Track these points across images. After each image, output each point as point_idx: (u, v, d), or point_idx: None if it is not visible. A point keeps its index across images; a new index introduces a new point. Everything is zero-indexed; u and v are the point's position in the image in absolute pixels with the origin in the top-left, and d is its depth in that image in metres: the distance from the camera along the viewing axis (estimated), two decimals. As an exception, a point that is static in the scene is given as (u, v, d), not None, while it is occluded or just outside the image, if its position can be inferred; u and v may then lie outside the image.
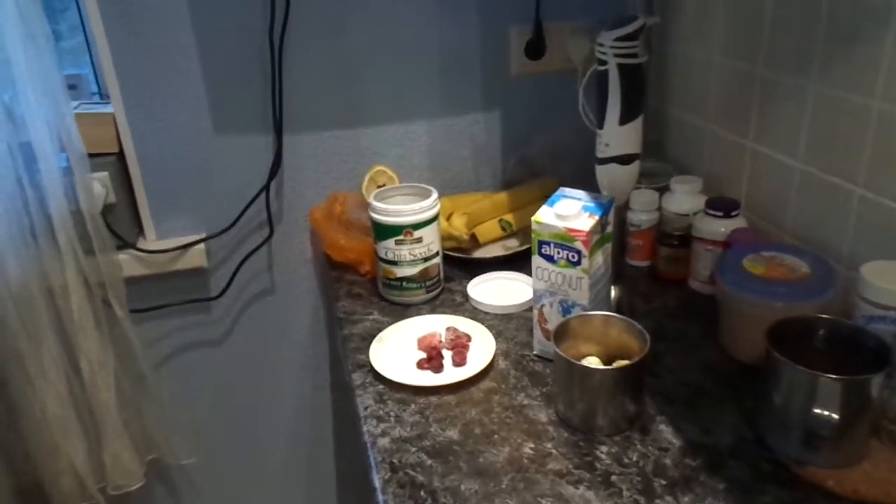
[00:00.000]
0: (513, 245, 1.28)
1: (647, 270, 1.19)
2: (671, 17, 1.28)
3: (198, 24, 1.17)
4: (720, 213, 1.06)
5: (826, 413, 0.68)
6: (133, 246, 1.22)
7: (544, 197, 1.33)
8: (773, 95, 1.05)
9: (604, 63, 0.91)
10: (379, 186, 1.25)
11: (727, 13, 1.13)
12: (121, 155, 1.21)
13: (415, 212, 1.08)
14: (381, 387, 0.94)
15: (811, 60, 0.96)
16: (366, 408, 0.91)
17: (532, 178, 1.39)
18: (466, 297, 1.14)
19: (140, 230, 1.27)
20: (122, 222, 1.20)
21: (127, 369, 1.24)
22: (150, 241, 1.26)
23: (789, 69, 1.01)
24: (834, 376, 0.70)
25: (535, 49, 1.34)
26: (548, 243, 0.90)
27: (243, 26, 1.18)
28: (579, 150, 1.36)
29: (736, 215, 1.06)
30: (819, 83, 0.95)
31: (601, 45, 0.90)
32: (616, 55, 0.89)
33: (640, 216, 1.16)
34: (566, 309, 0.92)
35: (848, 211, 0.93)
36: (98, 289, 1.16)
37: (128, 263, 1.22)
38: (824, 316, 0.80)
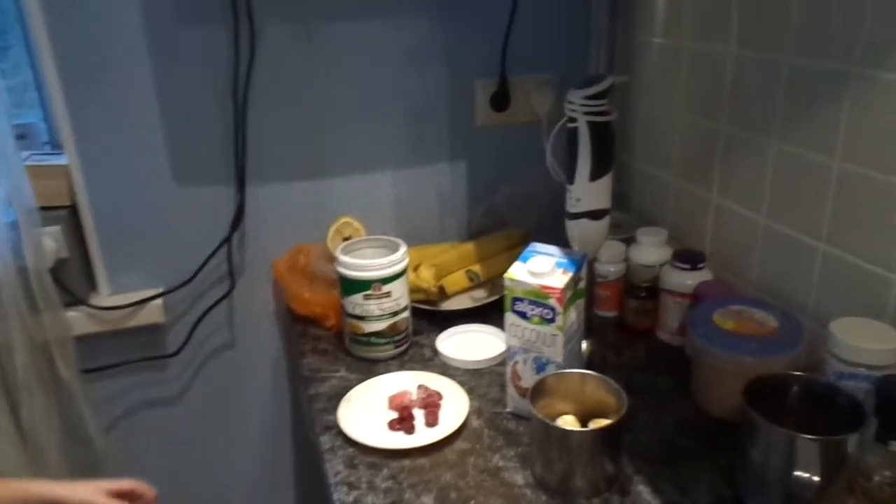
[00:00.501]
0: (480, 296, 1.27)
1: (614, 321, 1.19)
2: (635, 73, 1.31)
3: (158, 73, 1.14)
4: (687, 266, 1.07)
5: (806, 475, 0.68)
6: (85, 302, 1.16)
7: (511, 247, 1.34)
8: (736, 152, 1.07)
9: (573, 120, 0.92)
10: (345, 238, 1.23)
11: (689, 72, 1.17)
12: (74, 207, 1.16)
13: (384, 266, 1.06)
14: (351, 450, 0.91)
15: (772, 119, 0.98)
16: (336, 474, 0.87)
17: (498, 228, 1.39)
18: (436, 351, 1.12)
19: (93, 286, 1.21)
20: (74, 278, 1.15)
21: (74, 433, 1.17)
22: (104, 297, 1.21)
23: (751, 127, 1.03)
24: (812, 437, 0.70)
25: (500, 101, 1.35)
26: (521, 300, 0.89)
27: (207, 75, 1.16)
28: (545, 200, 1.37)
29: (702, 268, 1.07)
30: (780, 141, 0.98)
31: (571, 102, 0.91)
32: (586, 113, 0.90)
33: (608, 267, 1.16)
34: (540, 366, 0.91)
35: (812, 266, 0.95)
36: (44, 348, 1.10)
37: (79, 321, 1.17)
38: (799, 373, 0.81)
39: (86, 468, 1.19)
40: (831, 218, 0.91)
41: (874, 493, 0.76)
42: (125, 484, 0.94)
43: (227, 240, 1.25)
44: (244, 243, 1.28)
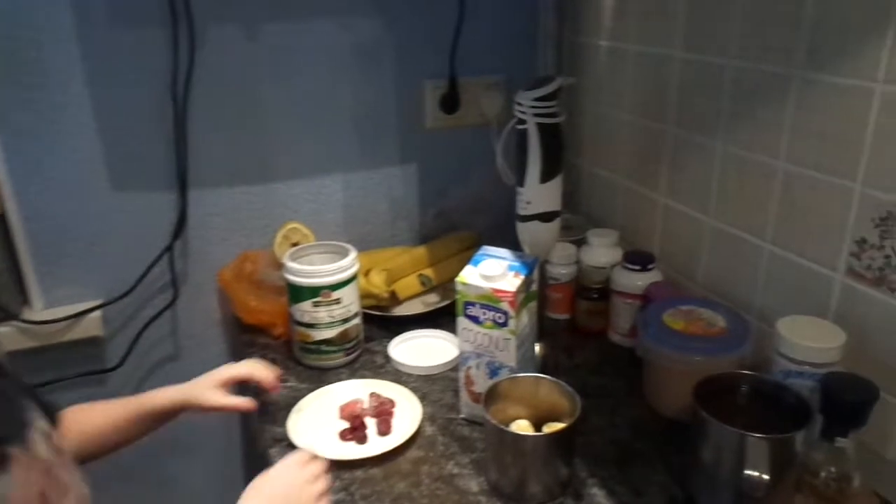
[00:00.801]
0: (433, 300, 1.25)
1: (566, 323, 1.19)
2: (582, 74, 1.31)
3: (93, 75, 1.09)
4: (637, 267, 1.08)
5: (756, 474, 0.68)
6: (16, 317, 1.10)
7: (463, 250, 1.33)
8: (683, 153, 1.09)
9: (523, 122, 0.91)
10: (293, 244, 1.20)
11: (636, 74, 1.18)
12: (3, 217, 1.10)
13: (333, 272, 1.03)
14: (301, 462, 0.88)
15: (718, 121, 1.00)
16: (285, 487, 0.84)
17: (449, 231, 1.38)
18: (387, 357, 1.10)
19: (26, 299, 1.15)
20: (4, 291, 1.09)
21: None
22: (38, 311, 1.15)
23: (698, 129, 1.04)
24: (761, 436, 0.71)
25: (449, 103, 1.34)
26: (473, 304, 0.88)
27: (144, 77, 1.12)
28: (496, 202, 1.38)
29: (652, 268, 1.08)
30: (726, 143, 0.99)
31: (520, 104, 0.90)
32: (535, 115, 0.90)
33: (559, 269, 1.16)
34: (493, 371, 0.90)
35: (758, 265, 0.97)
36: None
37: (10, 336, 1.11)
38: (747, 373, 0.82)
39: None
40: (776, 218, 0.93)
41: (820, 490, 0.77)
42: (242, 369, 0.93)
43: (170, 248, 1.20)
44: (187, 251, 1.24)
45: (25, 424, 0.67)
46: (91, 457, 0.83)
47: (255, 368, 0.93)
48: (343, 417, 0.95)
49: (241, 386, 0.93)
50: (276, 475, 0.76)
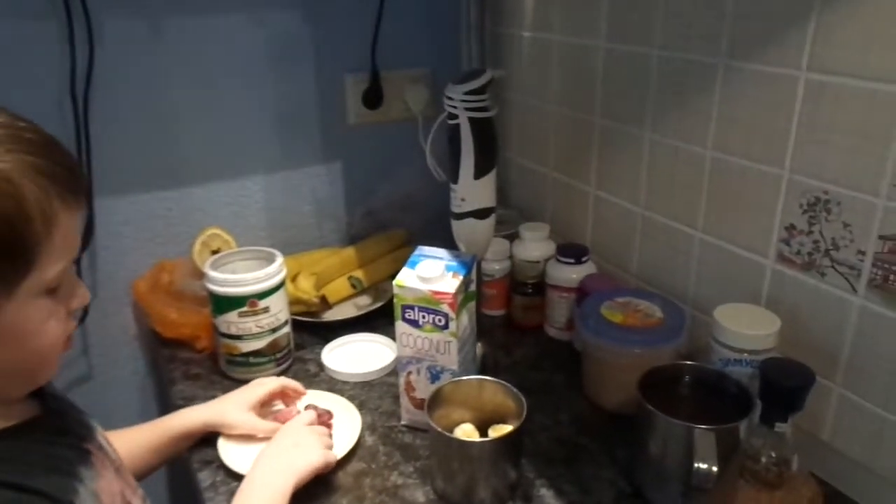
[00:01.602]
0: (365, 303, 1.21)
1: (502, 320, 1.17)
2: (506, 66, 1.30)
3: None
4: (571, 260, 1.07)
5: (706, 466, 0.68)
6: None
7: (393, 249, 1.30)
8: (612, 144, 1.08)
9: (454, 117, 0.89)
10: (213, 251, 1.13)
11: (560, 65, 1.17)
12: None
13: (259, 279, 0.97)
14: (234, 484, 0.82)
15: (645, 111, 1.00)
16: (219, 513, 0.79)
17: (379, 230, 1.34)
18: (321, 365, 1.05)
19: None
20: None
21: None
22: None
23: (625, 119, 1.05)
24: (707, 427, 0.71)
25: (372, 98, 1.30)
26: (412, 308, 0.85)
27: (39, 76, 1.02)
28: (426, 199, 1.35)
29: (586, 261, 1.08)
30: (654, 132, 1.00)
31: (450, 98, 0.87)
32: (467, 109, 0.87)
33: (493, 265, 1.14)
34: (435, 375, 0.87)
35: (690, 254, 0.98)
36: None
37: None
38: (690, 363, 0.82)
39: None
40: (706, 206, 0.94)
41: (762, 475, 0.79)
42: (274, 386, 0.92)
43: (76, 260, 1.11)
44: (96, 263, 1.15)
45: (92, 427, 0.70)
46: None
47: (287, 382, 0.94)
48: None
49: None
50: (282, 433, 0.83)
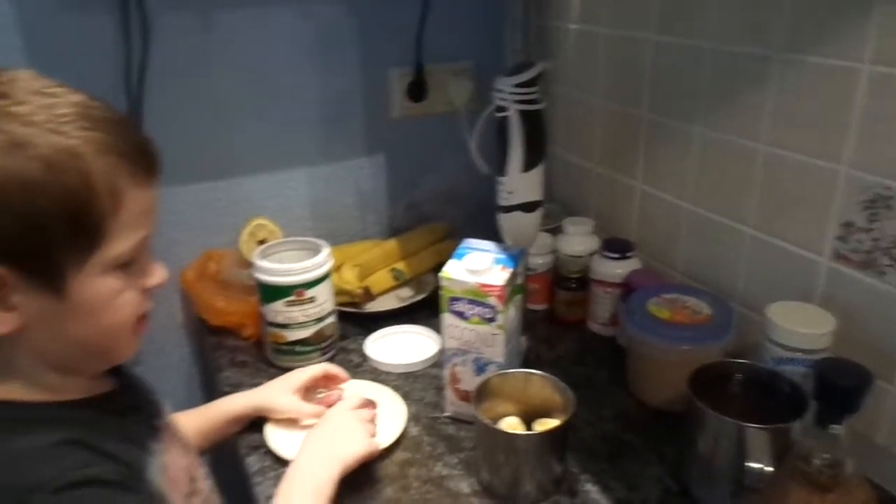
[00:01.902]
0: (407, 295, 1.22)
1: (545, 314, 1.17)
2: (551, 59, 1.29)
3: (39, 66, 1.00)
4: (616, 255, 1.06)
5: (758, 466, 0.67)
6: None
7: (435, 242, 1.30)
8: (660, 138, 1.07)
9: (503, 109, 0.88)
10: (259, 241, 1.15)
11: (607, 59, 1.15)
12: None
13: (306, 269, 0.99)
14: (282, 470, 0.83)
15: (696, 105, 0.98)
16: (267, 498, 0.80)
17: (420, 223, 1.35)
18: (364, 356, 1.06)
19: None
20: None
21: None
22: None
23: (674, 113, 1.03)
24: (761, 426, 0.70)
25: (416, 91, 1.30)
26: (459, 299, 0.85)
27: (96, 69, 1.04)
28: (468, 193, 1.35)
29: (631, 256, 1.07)
30: (705, 127, 0.98)
31: (500, 90, 0.87)
32: (516, 101, 0.87)
33: (536, 260, 1.14)
34: (480, 367, 0.87)
35: (739, 251, 0.96)
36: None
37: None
38: (741, 361, 0.81)
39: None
40: (758, 203, 0.92)
41: (814, 477, 0.77)
42: (317, 371, 0.94)
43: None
44: (146, 251, 1.17)
45: (162, 407, 0.73)
46: None
47: (329, 367, 0.96)
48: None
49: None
50: (327, 419, 0.83)
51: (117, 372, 0.68)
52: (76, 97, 0.56)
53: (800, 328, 0.79)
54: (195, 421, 0.87)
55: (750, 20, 0.88)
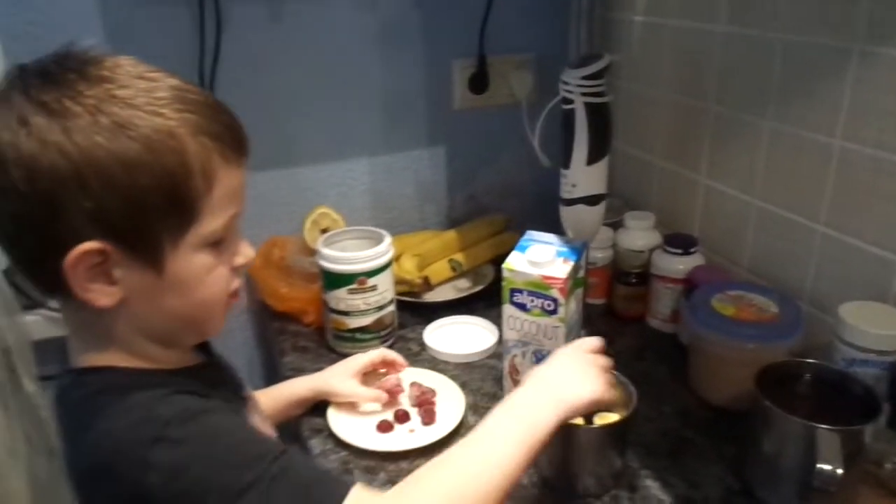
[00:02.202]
0: (464, 286, 1.23)
1: (603, 308, 1.16)
2: (616, 51, 1.27)
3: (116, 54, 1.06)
4: (679, 251, 1.05)
5: (829, 468, 0.66)
6: (44, 305, 1.08)
7: (493, 234, 1.30)
8: (727, 132, 1.05)
9: (569, 101, 0.88)
10: (322, 229, 1.17)
11: (673, 51, 1.14)
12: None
13: (369, 258, 1.00)
14: (344, 454, 0.86)
15: (766, 98, 0.96)
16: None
17: (479, 215, 1.35)
18: (422, 345, 1.08)
19: (52, 286, 1.13)
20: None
21: (37, 444, 1.09)
22: (64, 299, 1.13)
23: (743, 106, 1.01)
24: (833, 427, 0.68)
25: (478, 83, 1.30)
26: (520, 291, 0.85)
27: (170, 58, 1.06)
28: (526, 185, 1.34)
29: (694, 252, 1.05)
30: (775, 120, 0.96)
31: (566, 82, 0.87)
32: (583, 94, 0.86)
33: (596, 254, 1.13)
34: (540, 359, 0.87)
35: (810, 248, 0.94)
36: (3, 356, 1.02)
37: (39, 325, 1.08)
38: (810, 361, 0.79)
39: (51, 480, 1.11)
40: (831, 199, 0.90)
41: (885, 481, 0.75)
42: (375, 356, 0.95)
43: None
44: (214, 237, 1.21)
45: (243, 382, 0.77)
46: None
47: (391, 354, 0.97)
48: (385, 407, 0.92)
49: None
50: (558, 355, 0.73)
51: (204, 349, 0.72)
52: (173, 81, 0.58)
53: (874, 328, 0.76)
54: (263, 401, 0.89)
55: (825, 11, 0.85)
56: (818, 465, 0.66)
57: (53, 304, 1.10)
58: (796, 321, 0.88)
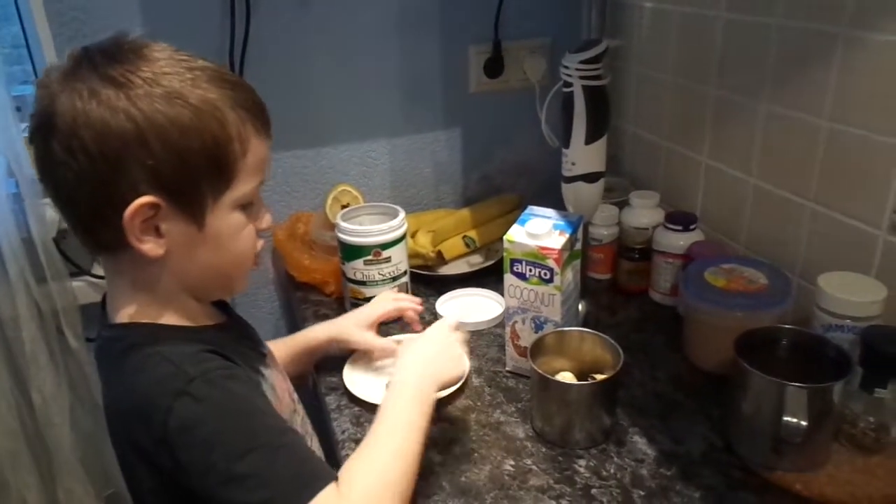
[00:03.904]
0: (476, 261, 1.29)
1: (608, 283, 1.22)
2: (626, 36, 1.32)
3: (152, 38, 1.14)
4: (679, 227, 1.10)
5: (795, 420, 0.71)
6: (88, 272, 1.18)
7: (505, 213, 1.36)
8: (727, 114, 1.09)
9: (569, 84, 0.94)
10: (343, 206, 1.25)
11: (679, 36, 1.18)
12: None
13: (383, 231, 1.08)
14: (356, 409, 0.94)
15: (762, 82, 1.00)
16: (343, 431, 0.90)
17: (492, 194, 1.41)
18: (435, 314, 1.15)
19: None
20: (76, 248, 1.16)
21: (83, 401, 1.19)
22: (107, 267, 1.22)
23: (741, 90, 1.05)
24: (800, 385, 0.73)
25: (493, 67, 1.36)
26: (520, 261, 0.91)
27: (202, 41, 1.15)
28: (538, 166, 1.40)
29: (694, 229, 1.10)
30: (770, 103, 1.00)
31: (566, 66, 0.93)
32: (581, 77, 0.92)
33: (601, 231, 1.18)
34: (539, 325, 0.94)
35: (800, 224, 0.98)
36: (51, 318, 1.12)
37: (83, 290, 1.18)
38: (787, 326, 0.84)
39: (95, 437, 1.21)
40: (819, 177, 0.94)
41: (858, 439, 0.80)
42: (391, 309, 1.01)
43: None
44: (243, 212, 1.30)
45: (260, 338, 0.83)
46: None
47: (405, 304, 1.02)
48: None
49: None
50: (428, 338, 0.85)
51: (226, 311, 0.80)
52: (205, 62, 0.67)
53: (849, 296, 0.81)
54: (282, 350, 0.98)
55: (817, -3, 0.89)
56: (784, 418, 0.71)
57: (96, 270, 1.20)
58: (784, 292, 0.93)
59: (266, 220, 0.75)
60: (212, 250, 0.68)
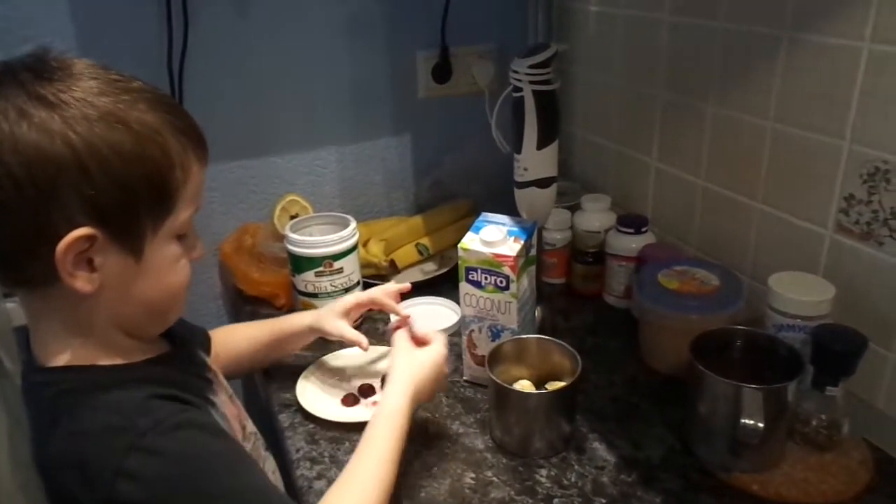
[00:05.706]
0: (430, 269, 1.27)
1: (562, 287, 1.21)
2: (572, 40, 1.32)
3: (84, 46, 1.09)
4: (631, 230, 1.10)
5: (752, 422, 0.72)
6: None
7: (458, 219, 1.35)
8: (675, 117, 1.10)
9: (518, 90, 0.93)
10: (292, 216, 1.21)
11: (625, 39, 1.19)
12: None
13: (334, 241, 1.05)
14: (311, 426, 0.91)
15: (709, 84, 1.02)
16: (297, 450, 0.87)
17: (445, 200, 1.40)
18: (387, 321, 1.12)
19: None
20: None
21: (22, 426, 1.13)
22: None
23: (688, 92, 1.06)
24: (756, 386, 0.74)
25: (441, 73, 1.35)
26: (475, 269, 0.90)
27: (138, 49, 1.12)
28: (490, 171, 1.39)
29: (646, 231, 1.11)
30: (717, 105, 1.01)
31: (516, 71, 0.92)
32: (531, 82, 0.91)
33: (555, 235, 1.18)
34: (495, 334, 0.93)
35: (749, 225, 0.99)
36: (-16, 342, 1.06)
37: (17, 312, 1.11)
38: (740, 327, 0.85)
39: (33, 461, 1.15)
40: (767, 178, 0.95)
41: (812, 437, 0.81)
42: (362, 298, 0.99)
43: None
44: (187, 225, 1.25)
45: (205, 359, 0.80)
46: (230, 377, 0.87)
47: (378, 295, 0.99)
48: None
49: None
50: (429, 362, 0.84)
51: (167, 336, 0.74)
52: (141, 83, 0.62)
53: (799, 296, 0.82)
54: (259, 332, 0.96)
55: (759, 1, 0.90)
56: (741, 420, 0.72)
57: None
58: (736, 293, 0.94)
59: (199, 249, 0.70)
60: (148, 282, 0.63)
